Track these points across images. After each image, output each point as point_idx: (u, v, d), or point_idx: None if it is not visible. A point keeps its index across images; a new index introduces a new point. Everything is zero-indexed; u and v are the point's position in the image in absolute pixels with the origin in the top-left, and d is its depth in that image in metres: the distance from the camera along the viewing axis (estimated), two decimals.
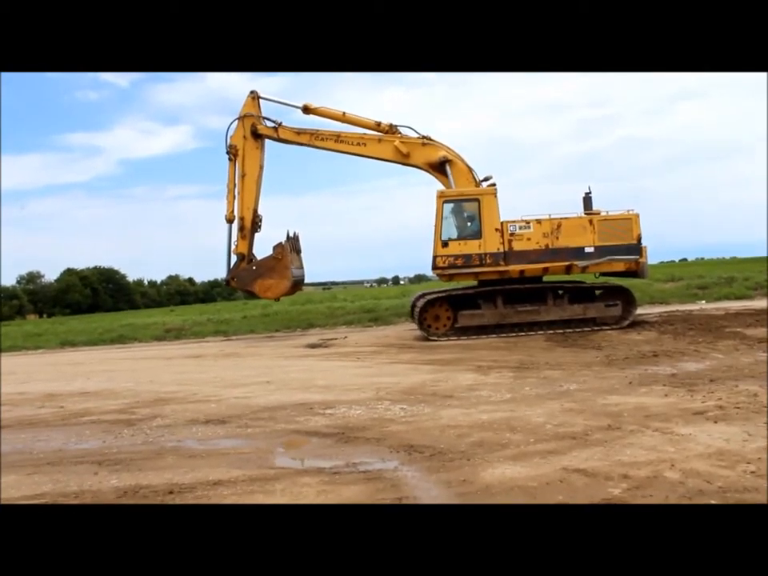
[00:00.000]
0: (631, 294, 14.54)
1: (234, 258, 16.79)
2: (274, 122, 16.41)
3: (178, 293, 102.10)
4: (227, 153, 16.37)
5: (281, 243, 16.52)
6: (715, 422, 5.76)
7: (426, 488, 4.58)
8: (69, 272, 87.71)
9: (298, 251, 17.41)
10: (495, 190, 14.59)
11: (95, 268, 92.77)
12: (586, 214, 14.57)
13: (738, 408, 6.22)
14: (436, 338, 14.11)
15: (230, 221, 16.57)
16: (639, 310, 17.14)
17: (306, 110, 16.27)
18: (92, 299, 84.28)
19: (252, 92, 16.38)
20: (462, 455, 5.25)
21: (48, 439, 6.95)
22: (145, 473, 5.36)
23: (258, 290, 16.56)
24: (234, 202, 16.48)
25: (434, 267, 14.46)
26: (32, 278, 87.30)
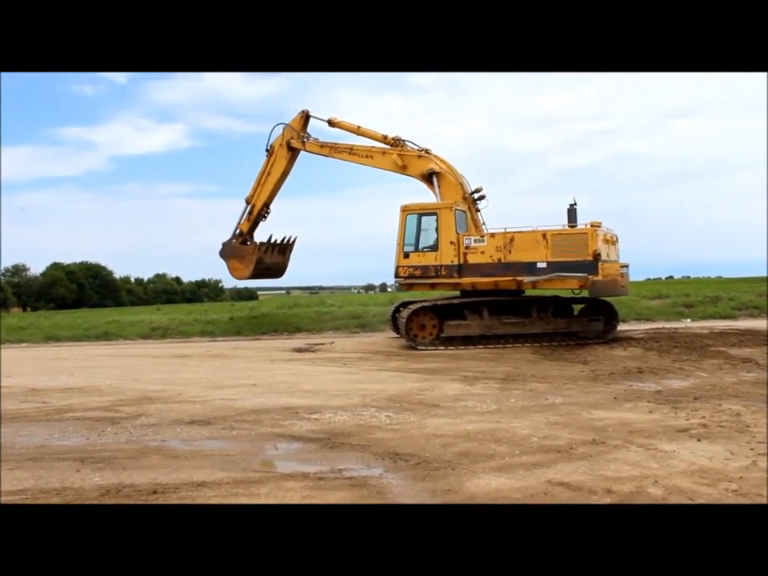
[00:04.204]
0: (614, 309, 14.62)
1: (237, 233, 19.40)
2: (305, 136, 18.51)
3: (165, 291, 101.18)
4: (266, 150, 18.60)
5: (260, 242, 19.06)
6: (698, 440, 5.82)
7: (410, 496, 4.58)
8: (55, 266, 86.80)
9: (283, 251, 19.85)
10: (452, 204, 14.96)
11: (82, 263, 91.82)
12: (569, 225, 14.52)
13: (722, 427, 6.28)
14: (424, 347, 14.14)
15: (247, 202, 18.97)
16: (625, 327, 17.31)
17: (331, 123, 18.15)
18: (77, 294, 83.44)
19: (303, 111, 18.22)
20: (447, 465, 5.26)
21: (30, 434, 6.88)
22: (128, 471, 5.33)
23: (230, 266, 19.21)
24: (257, 189, 18.78)
25: (396, 276, 15.22)
26: (17, 270, 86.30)
